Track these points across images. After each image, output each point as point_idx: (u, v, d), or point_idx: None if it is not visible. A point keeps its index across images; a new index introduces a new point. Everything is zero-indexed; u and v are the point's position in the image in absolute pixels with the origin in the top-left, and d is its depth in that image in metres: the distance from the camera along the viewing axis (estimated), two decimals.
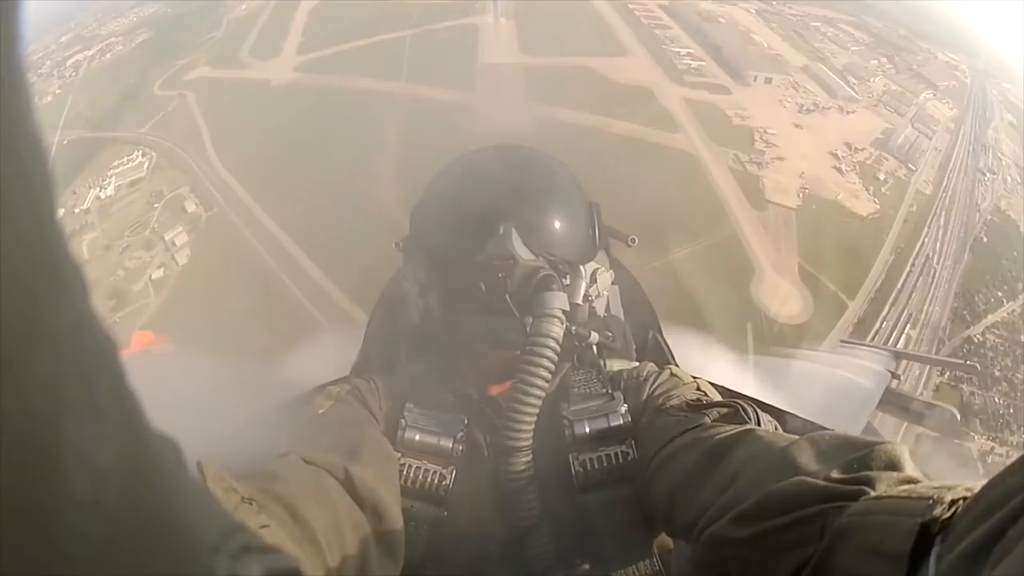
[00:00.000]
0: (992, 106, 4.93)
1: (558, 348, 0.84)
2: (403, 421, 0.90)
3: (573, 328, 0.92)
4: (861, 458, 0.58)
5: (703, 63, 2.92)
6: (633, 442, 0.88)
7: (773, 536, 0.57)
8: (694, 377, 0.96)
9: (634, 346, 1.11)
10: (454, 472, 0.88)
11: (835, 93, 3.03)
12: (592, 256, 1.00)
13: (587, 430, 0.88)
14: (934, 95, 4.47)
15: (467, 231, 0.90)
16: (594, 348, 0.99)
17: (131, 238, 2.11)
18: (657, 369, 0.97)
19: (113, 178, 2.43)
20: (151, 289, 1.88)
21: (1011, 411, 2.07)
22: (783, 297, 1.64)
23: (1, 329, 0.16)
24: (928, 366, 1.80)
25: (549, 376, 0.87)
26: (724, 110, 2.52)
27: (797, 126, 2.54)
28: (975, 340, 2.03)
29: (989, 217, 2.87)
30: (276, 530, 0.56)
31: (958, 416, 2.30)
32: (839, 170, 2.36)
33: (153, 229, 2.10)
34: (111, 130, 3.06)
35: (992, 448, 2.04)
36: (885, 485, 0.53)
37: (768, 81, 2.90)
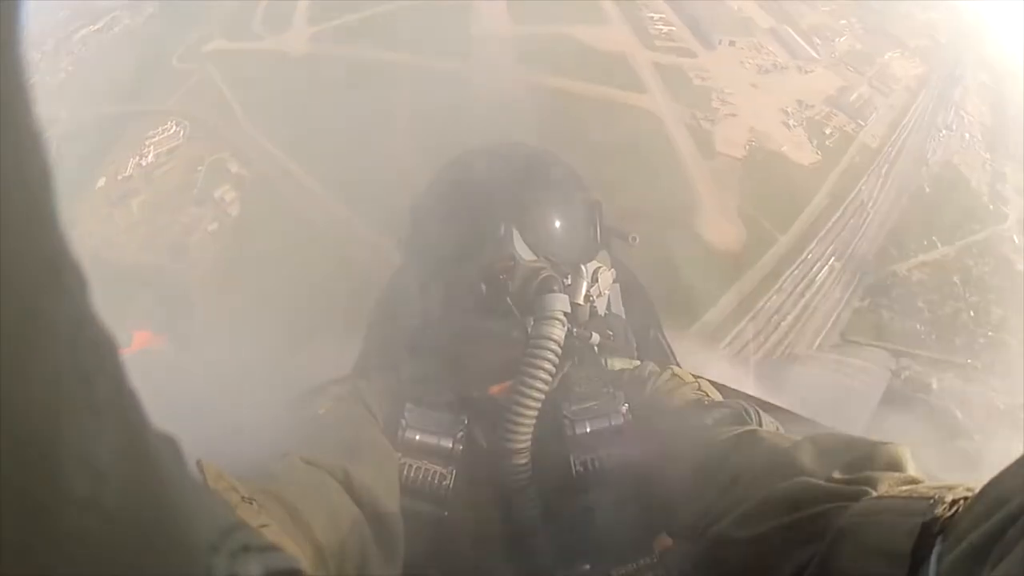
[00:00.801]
0: (966, 65, 5.28)
1: (559, 351, 0.91)
2: (403, 421, 0.97)
3: (574, 330, 0.99)
4: (863, 459, 0.64)
5: (673, 28, 3.16)
6: (633, 443, 0.95)
7: (775, 536, 0.62)
8: (695, 377, 1.05)
9: (635, 344, 1.19)
10: (454, 472, 0.95)
11: (796, 54, 3.28)
12: (594, 255, 1.07)
13: (588, 429, 0.96)
14: (901, 54, 4.65)
15: (468, 231, 0.99)
16: (595, 348, 1.07)
17: (180, 198, 2.36)
18: (658, 369, 1.05)
19: (152, 147, 2.58)
20: (209, 240, 2.15)
21: (933, 337, 2.34)
22: (721, 231, 1.91)
23: (0, 327, 0.17)
24: (847, 294, 2.05)
25: (549, 379, 0.93)
26: (688, 72, 2.77)
27: (754, 86, 2.79)
28: (900, 274, 2.31)
29: (938, 171, 3.11)
30: (276, 529, 0.60)
31: (959, 416, 2.45)
32: (787, 125, 2.60)
33: (200, 189, 2.34)
34: (136, 103, 3.29)
35: (908, 365, 2.35)
36: (887, 485, 0.58)
37: (732, 44, 3.15)
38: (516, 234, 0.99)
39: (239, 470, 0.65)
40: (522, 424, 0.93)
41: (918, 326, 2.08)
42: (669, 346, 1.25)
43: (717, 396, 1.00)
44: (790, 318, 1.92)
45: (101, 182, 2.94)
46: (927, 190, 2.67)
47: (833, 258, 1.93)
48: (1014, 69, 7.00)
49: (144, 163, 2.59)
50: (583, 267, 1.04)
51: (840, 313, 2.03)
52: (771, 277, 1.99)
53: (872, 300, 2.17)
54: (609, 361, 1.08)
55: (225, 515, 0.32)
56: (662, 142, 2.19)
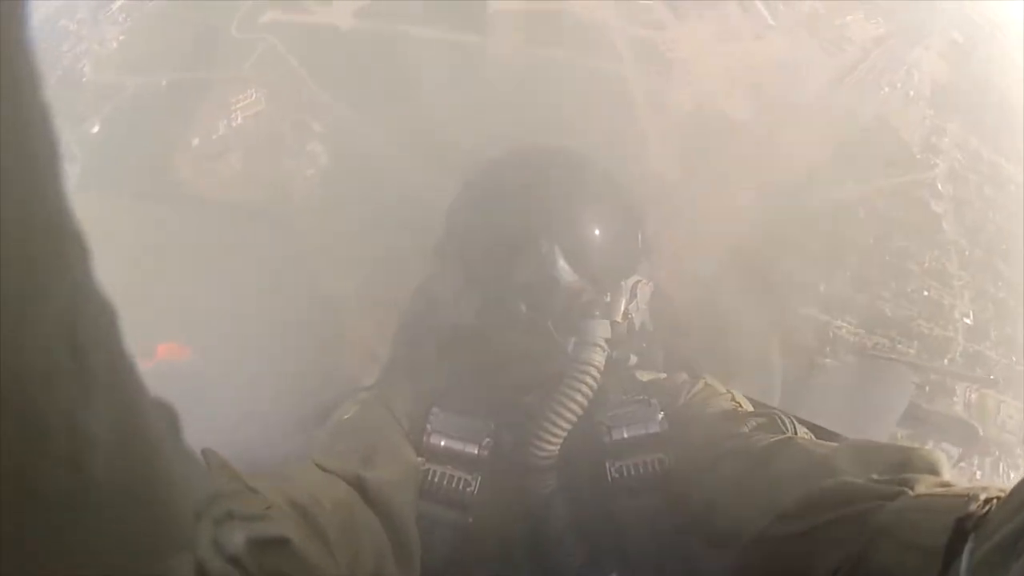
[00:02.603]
0: (933, 23, 5.58)
1: (598, 376, 0.97)
2: (429, 426, 1.02)
3: (614, 354, 1.02)
4: (900, 463, 0.71)
5: (653, 2, 3.88)
6: (669, 450, 1.01)
7: (815, 534, 0.69)
8: (727, 388, 1.10)
9: (662, 357, 1.25)
10: (479, 479, 1.01)
11: (757, 22, 3.99)
12: (635, 267, 1.11)
13: (625, 435, 1.01)
14: (864, 15, 5.31)
15: (508, 245, 1.02)
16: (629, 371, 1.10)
17: (275, 151, 3.08)
18: (690, 379, 1.10)
19: (239, 111, 3.49)
20: (308, 183, 2.85)
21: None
22: (661, 162, 2.57)
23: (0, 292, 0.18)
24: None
25: (585, 402, 0.98)
26: (657, 44, 3.47)
27: (711, 53, 3.50)
28: (806, 204, 3.03)
29: (864, 124, 3.72)
30: (279, 513, 0.63)
31: (980, 432, 2.80)
32: (731, 88, 3.32)
33: (291, 144, 3.04)
34: (208, 71, 4.04)
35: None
36: (923, 486, 0.65)
37: (700, 16, 3.85)
38: (558, 252, 1.02)
39: (255, 472, 0.68)
40: (553, 439, 0.98)
41: (815, 245, 2.90)
42: (695, 359, 1.30)
43: (750, 407, 1.05)
44: None
45: (196, 141, 3.65)
46: (850, 140, 3.43)
47: (751, 190, 2.75)
48: (1000, 23, 7.46)
49: (234, 125, 3.39)
50: (623, 283, 1.09)
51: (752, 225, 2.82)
52: None
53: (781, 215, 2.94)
54: (638, 374, 1.14)
55: (211, 484, 0.33)
56: (626, 104, 3.02)
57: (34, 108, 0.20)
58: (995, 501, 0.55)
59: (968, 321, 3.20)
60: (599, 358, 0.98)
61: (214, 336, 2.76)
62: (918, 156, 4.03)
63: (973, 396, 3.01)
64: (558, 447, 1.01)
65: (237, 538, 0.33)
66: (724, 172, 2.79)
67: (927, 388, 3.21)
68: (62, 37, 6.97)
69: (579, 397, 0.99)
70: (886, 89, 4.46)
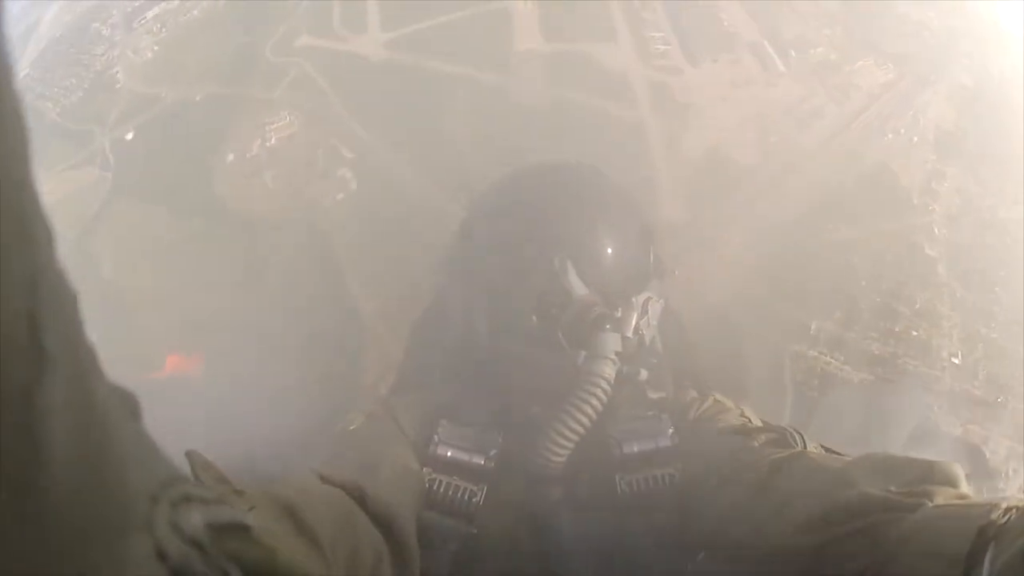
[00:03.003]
0: (944, 68, 5.77)
1: (609, 390, 0.99)
2: (436, 437, 1.04)
3: (624, 369, 1.04)
4: (919, 476, 0.72)
5: (670, 47, 4.12)
6: (680, 465, 1.02)
7: (835, 545, 0.69)
8: (737, 404, 1.11)
9: (671, 378, 1.24)
10: (484, 489, 1.02)
11: (767, 68, 4.23)
12: (646, 284, 1.12)
13: (636, 449, 1.02)
14: (874, 61, 5.52)
15: (521, 259, 1.05)
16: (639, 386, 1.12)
17: (307, 174, 3.32)
18: (699, 395, 1.12)
19: (273, 132, 3.66)
20: (337, 209, 3.07)
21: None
22: (671, 212, 2.78)
23: None
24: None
25: (594, 415, 0.99)
26: (673, 89, 3.71)
27: (723, 99, 3.74)
28: (801, 246, 3.25)
29: (867, 169, 3.94)
30: (264, 513, 0.63)
31: (988, 456, 2.91)
32: (741, 132, 3.55)
33: (323, 168, 3.26)
34: (243, 89, 4.31)
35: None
36: (943, 498, 0.66)
37: (715, 61, 4.10)
38: (570, 267, 1.03)
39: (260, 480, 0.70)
40: (560, 451, 0.99)
41: (809, 285, 3.12)
42: (706, 382, 1.29)
43: (759, 422, 1.05)
44: None
45: (230, 158, 3.86)
46: (850, 186, 3.66)
47: (750, 232, 2.97)
48: (1009, 70, 7.67)
49: (268, 145, 3.63)
50: (634, 299, 1.10)
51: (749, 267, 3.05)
52: None
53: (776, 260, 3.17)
54: (648, 391, 1.15)
55: (170, 469, 0.34)
56: (641, 149, 3.26)
57: (4, 97, 0.22)
58: (1015, 510, 0.56)
59: (956, 361, 3.39)
60: (610, 371, 1.01)
61: (240, 347, 3.00)
62: (916, 201, 4.21)
63: (958, 431, 3.17)
64: (564, 458, 1.02)
65: (195, 520, 0.33)
66: (729, 215, 3.01)
67: (936, 408, 3.34)
68: (95, 40, 7.25)
69: (588, 409, 1.00)
70: (890, 136, 4.66)
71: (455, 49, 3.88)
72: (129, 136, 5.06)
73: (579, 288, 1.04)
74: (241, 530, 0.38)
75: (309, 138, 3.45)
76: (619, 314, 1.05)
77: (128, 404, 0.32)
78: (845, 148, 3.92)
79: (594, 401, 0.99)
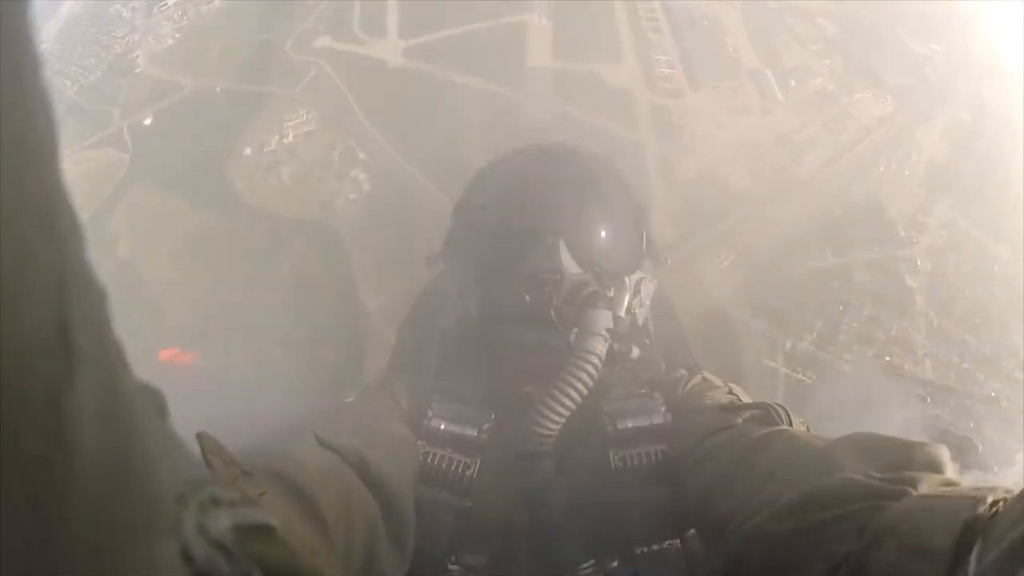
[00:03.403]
0: (943, 104, 5.92)
1: (600, 366, 1.01)
2: (430, 411, 1.06)
3: (616, 346, 1.07)
4: (903, 459, 0.71)
5: (673, 71, 4.35)
6: (672, 441, 1.04)
7: (814, 532, 0.69)
8: (725, 382, 1.14)
9: (663, 364, 1.25)
10: (478, 462, 1.04)
11: (765, 95, 4.46)
12: (638, 265, 1.16)
13: (629, 425, 1.05)
14: (873, 94, 5.77)
15: (513, 240, 1.07)
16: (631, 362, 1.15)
17: (322, 173, 3.54)
18: (688, 373, 1.15)
19: (291, 129, 3.83)
20: (350, 208, 3.27)
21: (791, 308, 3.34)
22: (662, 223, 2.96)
23: None
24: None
25: (585, 391, 1.02)
26: (672, 112, 3.93)
27: (720, 125, 3.96)
28: (784, 272, 3.47)
29: (856, 200, 4.14)
30: (274, 499, 0.64)
31: (980, 448, 3.00)
32: (733, 158, 3.77)
33: (338, 168, 3.30)
34: (261, 85, 4.38)
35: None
36: (927, 486, 0.65)
37: (715, 87, 4.32)
38: (563, 246, 1.05)
39: (255, 451, 0.71)
40: (551, 425, 1.01)
41: (788, 306, 3.35)
42: (695, 362, 1.30)
43: (748, 400, 1.07)
44: None
45: (248, 150, 4.03)
46: (837, 215, 3.89)
47: (734, 254, 3.21)
48: (1008, 107, 7.86)
49: (286, 142, 3.85)
50: (627, 279, 1.13)
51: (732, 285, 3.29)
52: None
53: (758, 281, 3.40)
54: (640, 372, 1.17)
55: (197, 469, 0.34)
56: (638, 167, 3.49)
57: (34, 92, 0.23)
58: (1002, 503, 0.55)
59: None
60: (601, 347, 1.02)
61: (250, 334, 3.22)
62: (902, 233, 4.43)
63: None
64: (555, 433, 1.03)
65: (222, 523, 0.34)
66: (716, 236, 3.25)
67: (928, 400, 3.58)
68: (115, 22, 7.47)
69: (579, 385, 1.01)
70: (881, 168, 4.88)
71: (470, 61, 4.11)
72: (147, 121, 5.28)
73: (571, 267, 1.06)
74: (266, 531, 0.38)
75: (326, 138, 3.67)
76: (611, 293, 1.07)
77: (155, 402, 0.32)
78: (836, 178, 4.15)
79: (585, 377, 1.01)
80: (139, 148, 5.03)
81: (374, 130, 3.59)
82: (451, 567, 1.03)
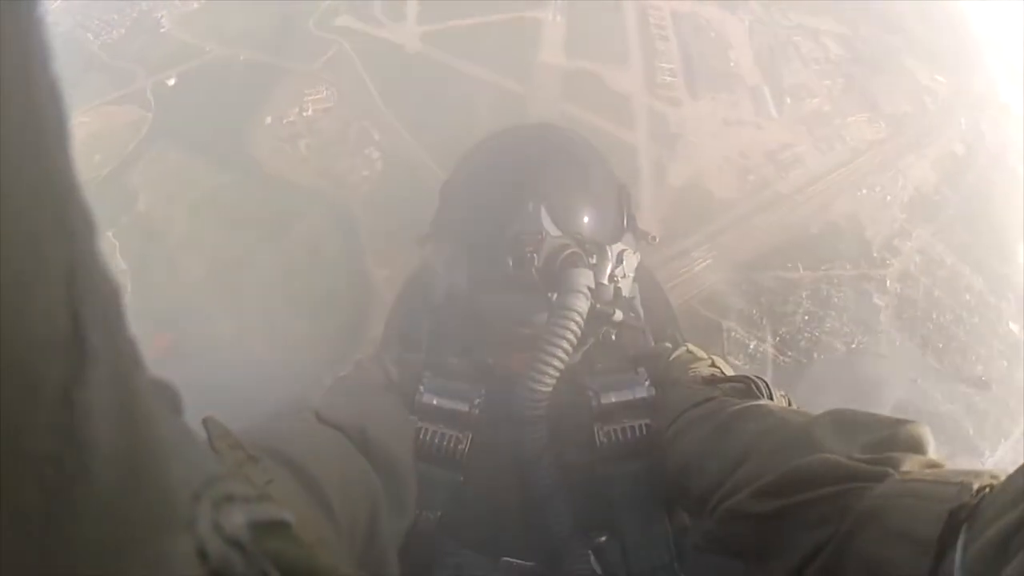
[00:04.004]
0: (938, 135, 6.28)
1: (582, 322, 1.04)
2: (421, 387, 1.09)
3: (598, 305, 1.10)
4: (885, 438, 0.71)
5: (675, 79, 4.67)
6: (656, 415, 1.07)
7: (794, 513, 0.69)
8: (709, 354, 1.17)
9: (652, 340, 1.29)
10: (470, 437, 1.07)
11: (760, 111, 4.77)
12: (619, 237, 1.20)
13: (613, 400, 1.08)
14: (868, 118, 6.05)
15: (496, 207, 1.12)
16: (614, 336, 1.19)
17: (338, 149, 3.81)
18: (672, 347, 1.18)
19: (310, 104, 4.05)
20: (363, 184, 3.55)
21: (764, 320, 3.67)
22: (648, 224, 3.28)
23: (1, 262, 0.20)
24: (713, 279, 3.42)
25: (570, 348, 1.04)
26: (670, 120, 4.23)
27: (713, 136, 4.27)
28: (755, 279, 3.79)
29: (837, 220, 4.39)
30: (282, 486, 0.64)
31: (971, 432, 3.20)
32: (721, 169, 4.09)
33: (353, 145, 3.73)
34: (282, 59, 4.63)
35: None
36: (910, 467, 0.66)
37: (713, 98, 4.63)
38: (543, 211, 1.09)
39: (254, 429, 0.73)
40: (540, 392, 1.03)
41: (753, 311, 3.71)
42: (682, 335, 1.34)
43: (731, 372, 1.10)
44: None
45: (268, 120, 4.38)
46: (814, 231, 4.24)
47: (711, 259, 3.56)
48: (1003, 144, 8.15)
49: (305, 115, 4.16)
50: (608, 248, 1.15)
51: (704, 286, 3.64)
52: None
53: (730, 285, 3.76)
54: (626, 348, 1.21)
55: (212, 465, 0.35)
56: (632, 170, 3.84)
57: (43, 85, 0.22)
58: (987, 489, 0.55)
59: None
60: (582, 304, 1.04)
61: (261, 296, 3.56)
62: (875, 255, 4.70)
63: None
64: (547, 394, 1.04)
65: (237, 520, 0.33)
66: (697, 240, 3.61)
67: (918, 381, 3.85)
68: None
69: (563, 343, 1.02)
70: (864, 191, 5.21)
71: (484, 52, 4.41)
72: (171, 82, 5.57)
73: (552, 230, 1.09)
74: (281, 527, 0.39)
75: (343, 115, 3.98)
76: (593, 260, 1.10)
77: (169, 398, 0.32)
78: (818, 196, 4.48)
79: (568, 334, 1.02)
80: (162, 108, 5.34)
81: (389, 112, 3.91)
82: (443, 543, 1.05)
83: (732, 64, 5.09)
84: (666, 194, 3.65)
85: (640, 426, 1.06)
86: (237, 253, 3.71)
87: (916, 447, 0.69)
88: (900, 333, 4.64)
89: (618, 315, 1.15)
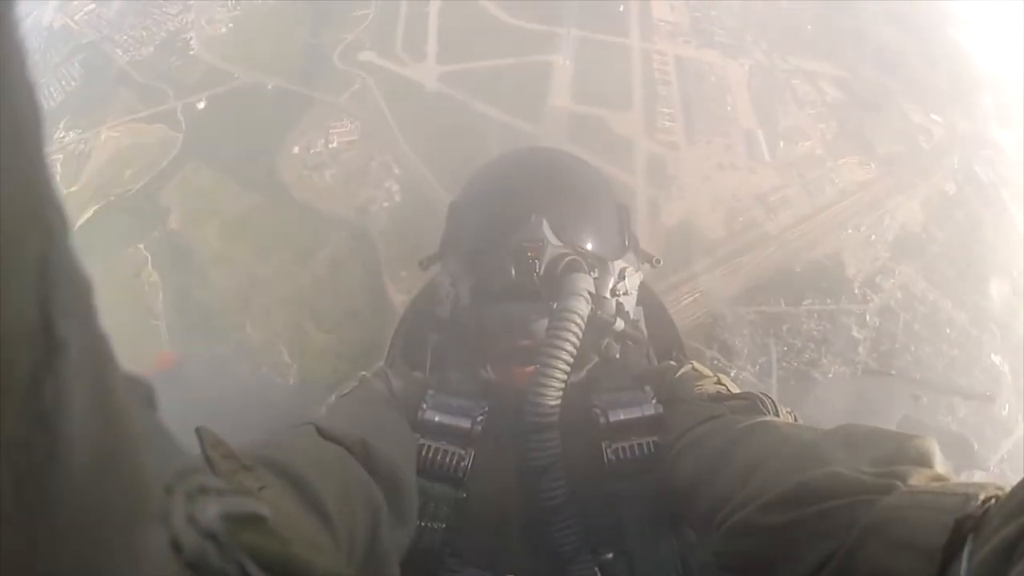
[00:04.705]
0: (930, 175, 6.68)
1: (583, 324, 1.04)
2: (424, 404, 1.11)
3: (599, 312, 1.13)
4: (892, 453, 0.72)
5: (674, 124, 5.13)
6: (664, 433, 1.07)
7: (802, 526, 0.70)
8: (715, 372, 1.17)
9: (656, 361, 1.32)
10: (472, 454, 1.08)
11: (754, 155, 5.22)
12: (621, 255, 1.22)
13: (622, 417, 1.08)
14: (858, 160, 6.08)
15: (499, 219, 1.17)
16: (617, 351, 1.22)
17: (360, 180, 4.14)
18: (677, 365, 1.19)
19: (335, 136, 4.41)
20: (383, 214, 3.98)
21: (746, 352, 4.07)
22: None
23: None
24: (698, 313, 3.81)
25: (574, 351, 1.05)
26: (667, 163, 4.68)
27: (707, 178, 4.71)
28: (739, 313, 4.22)
29: (821, 259, 4.74)
30: (275, 493, 0.64)
31: (976, 447, 3.46)
32: (712, 210, 4.52)
33: (374, 177, 4.06)
34: (309, 89, 5.04)
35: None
36: (917, 480, 0.66)
37: (709, 143, 5.08)
38: (545, 223, 1.14)
39: (251, 442, 0.74)
40: (547, 398, 1.06)
41: (736, 341, 4.16)
42: (685, 354, 1.33)
43: (736, 390, 1.10)
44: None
45: (295, 149, 4.93)
46: (798, 269, 4.70)
47: (698, 293, 4.02)
48: (994, 181, 8.54)
49: (331, 147, 4.65)
50: (610, 263, 1.19)
51: (691, 318, 4.07)
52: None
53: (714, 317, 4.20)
54: (631, 368, 1.24)
55: (185, 459, 0.35)
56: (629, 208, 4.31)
57: (19, 85, 0.23)
58: (993, 500, 0.56)
59: None
60: (583, 307, 1.06)
61: (286, 309, 4.02)
62: (856, 291, 5.13)
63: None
64: (556, 406, 1.06)
65: (211, 512, 0.33)
66: (684, 276, 4.07)
67: (924, 400, 4.11)
68: None
69: (567, 346, 1.05)
70: (850, 231, 5.67)
71: (498, 94, 4.90)
72: (201, 105, 6.07)
73: (553, 240, 1.13)
74: (257, 521, 0.39)
75: (366, 149, 4.47)
76: (595, 273, 1.14)
77: (143, 393, 0.33)
78: (803, 236, 4.93)
79: (571, 337, 1.05)
80: (192, 129, 5.83)
81: (408, 147, 4.38)
82: (447, 559, 1.09)
83: (729, 108, 5.55)
84: (659, 233, 4.11)
85: (648, 443, 1.07)
86: (266, 270, 4.17)
87: (923, 461, 0.70)
88: (877, 364, 5.07)
89: (619, 324, 1.18)
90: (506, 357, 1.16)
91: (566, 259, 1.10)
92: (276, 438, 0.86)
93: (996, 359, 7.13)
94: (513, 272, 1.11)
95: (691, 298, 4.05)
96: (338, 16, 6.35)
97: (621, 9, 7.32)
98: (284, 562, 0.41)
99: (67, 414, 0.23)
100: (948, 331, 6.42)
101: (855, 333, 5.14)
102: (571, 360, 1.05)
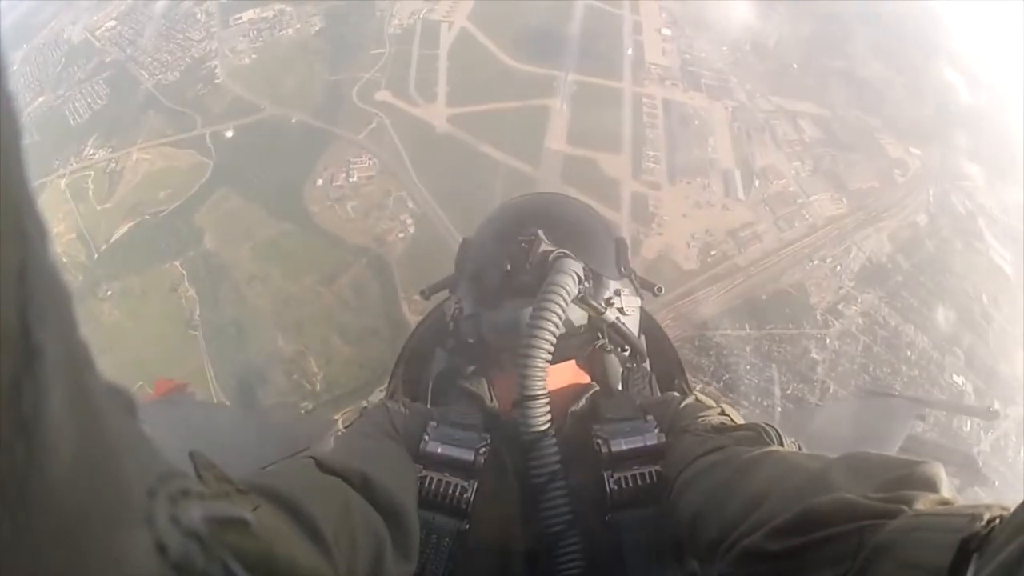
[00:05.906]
0: (901, 208, 7.27)
1: (568, 299, 1.04)
2: (426, 436, 1.09)
3: (589, 300, 1.11)
4: (899, 478, 0.71)
5: (658, 166, 5.95)
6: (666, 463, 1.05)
7: (809, 552, 0.69)
8: (718, 403, 1.12)
9: (658, 390, 1.30)
10: (475, 485, 1.06)
11: (729, 194, 6.02)
12: (616, 279, 1.20)
13: (624, 447, 1.07)
14: (830, 196, 6.63)
15: (502, 235, 1.21)
16: (621, 382, 1.21)
17: (378, 214, 4.78)
18: (680, 396, 1.14)
19: (355, 170, 5.03)
20: (399, 244, 4.76)
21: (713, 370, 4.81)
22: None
23: None
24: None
25: (559, 322, 1.04)
26: (648, 201, 5.48)
27: (684, 216, 5.50)
28: (707, 335, 5.00)
29: (786, 288, 5.37)
30: (269, 516, 0.62)
31: (980, 463, 3.15)
32: (688, 245, 5.31)
33: (391, 211, 4.67)
34: (331, 125, 5.75)
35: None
36: (923, 504, 0.65)
37: (688, 183, 5.90)
38: (542, 233, 1.16)
39: (253, 473, 0.75)
40: (536, 373, 1.06)
41: (703, 360, 5.00)
42: (689, 384, 1.33)
43: (740, 420, 1.06)
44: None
45: (319, 182, 5.81)
46: (763, 298, 5.56)
47: (668, 321, 4.86)
48: (969, 212, 9.30)
49: (351, 181, 5.50)
50: (604, 278, 1.18)
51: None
52: None
53: (684, 340, 5.04)
54: (634, 398, 1.19)
55: (167, 464, 0.35)
56: None
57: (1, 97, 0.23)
58: (998, 520, 0.55)
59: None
60: (570, 284, 1.05)
61: (315, 324, 4.85)
62: (819, 317, 5.98)
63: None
64: (543, 378, 1.06)
65: (194, 514, 0.33)
66: (660, 304, 4.91)
67: (929, 419, 4.03)
68: (189, 22, 9.13)
69: (552, 316, 1.03)
70: (816, 262, 6.58)
71: (500, 136, 5.76)
72: (229, 134, 6.91)
73: (547, 241, 1.15)
74: (240, 524, 0.39)
75: (383, 184, 5.34)
76: (588, 284, 1.12)
77: (123, 401, 0.33)
78: (771, 267, 5.80)
79: (556, 308, 1.05)
80: (222, 156, 6.68)
81: (420, 184, 5.24)
82: None
83: (711, 150, 6.40)
84: (640, 265, 4.93)
85: (651, 473, 1.07)
86: (296, 291, 5.03)
87: (930, 486, 0.69)
88: (835, 383, 5.91)
89: (609, 315, 1.18)
90: (505, 366, 1.17)
91: (557, 253, 1.14)
92: (273, 468, 0.90)
93: (959, 379, 7.87)
94: (508, 265, 1.15)
95: (664, 323, 4.89)
96: (355, 53, 7.20)
97: (629, 52, 8.13)
98: (268, 562, 0.44)
99: (46, 418, 0.24)
100: (908, 353, 7.21)
101: (814, 355, 5.93)
102: (555, 331, 1.06)
